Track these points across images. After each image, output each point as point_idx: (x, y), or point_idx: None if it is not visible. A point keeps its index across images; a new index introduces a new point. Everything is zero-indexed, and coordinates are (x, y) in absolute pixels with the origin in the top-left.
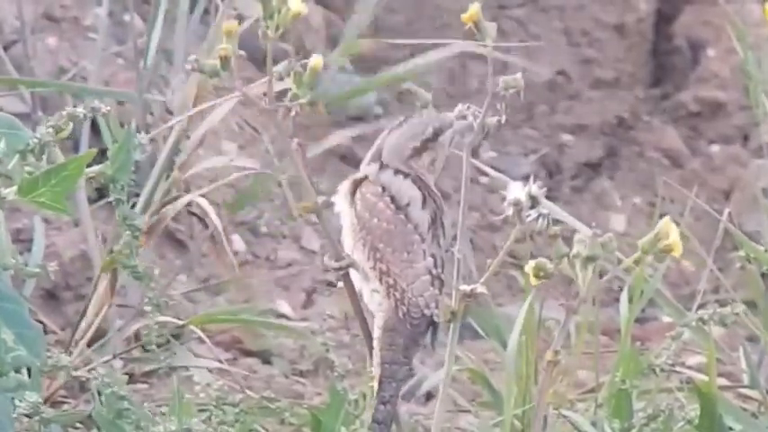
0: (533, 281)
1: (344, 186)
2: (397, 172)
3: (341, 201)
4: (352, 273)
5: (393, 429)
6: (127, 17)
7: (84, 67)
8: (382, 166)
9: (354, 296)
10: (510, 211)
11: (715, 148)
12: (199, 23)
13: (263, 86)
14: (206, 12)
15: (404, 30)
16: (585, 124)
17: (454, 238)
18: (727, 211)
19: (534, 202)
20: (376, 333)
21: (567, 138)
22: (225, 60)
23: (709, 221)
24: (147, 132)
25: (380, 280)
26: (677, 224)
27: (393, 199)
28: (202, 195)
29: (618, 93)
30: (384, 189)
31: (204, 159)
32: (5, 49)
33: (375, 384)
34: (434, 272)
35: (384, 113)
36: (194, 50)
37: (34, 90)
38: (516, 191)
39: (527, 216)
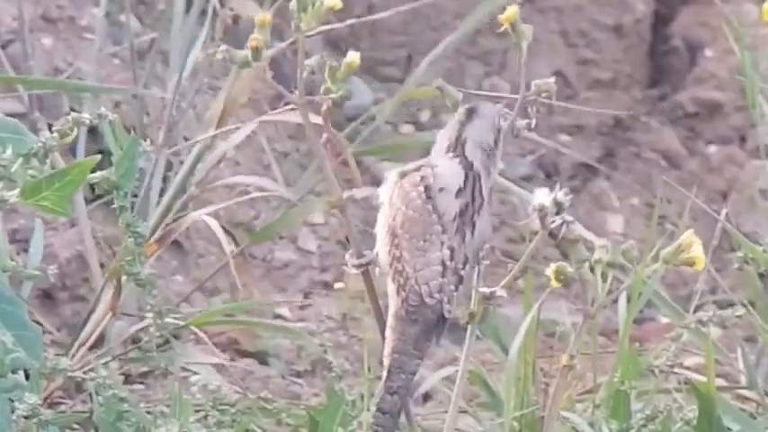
0: (554, 284)
1: (391, 176)
2: (462, 161)
3: (384, 189)
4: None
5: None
6: (123, 17)
7: (81, 67)
8: (456, 156)
9: (373, 294)
10: (535, 217)
11: (713, 148)
12: (195, 24)
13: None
14: (203, 12)
15: (401, 30)
16: (583, 125)
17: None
18: (724, 211)
19: (560, 208)
20: (389, 321)
21: (564, 138)
22: (256, 51)
23: (706, 222)
24: (144, 133)
25: (391, 264)
26: (675, 225)
27: (427, 188)
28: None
29: (615, 93)
30: (422, 179)
31: (222, 176)
32: (2, 48)
33: (384, 374)
34: (449, 264)
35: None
36: (191, 51)
37: (31, 90)
38: (541, 197)
39: (551, 222)
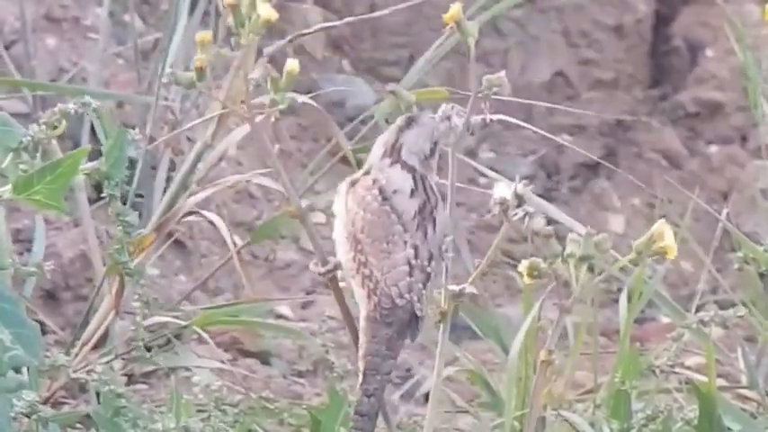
0: (527, 280)
1: (342, 187)
2: (404, 167)
3: (337, 200)
4: (340, 272)
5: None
6: (127, 17)
7: (85, 67)
8: (395, 162)
9: (342, 299)
10: (496, 211)
11: (713, 148)
12: (199, 25)
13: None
14: (206, 13)
15: (402, 30)
16: (584, 125)
17: (446, 236)
18: (725, 211)
19: (520, 200)
20: (361, 325)
21: (565, 138)
22: (201, 71)
23: (707, 222)
24: (146, 133)
25: (358, 270)
26: (676, 225)
27: (381, 190)
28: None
29: (617, 94)
30: (375, 182)
31: (224, 174)
32: (6, 48)
33: (359, 377)
34: (414, 262)
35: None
36: (194, 51)
37: (35, 91)
38: (502, 190)
39: (514, 215)
